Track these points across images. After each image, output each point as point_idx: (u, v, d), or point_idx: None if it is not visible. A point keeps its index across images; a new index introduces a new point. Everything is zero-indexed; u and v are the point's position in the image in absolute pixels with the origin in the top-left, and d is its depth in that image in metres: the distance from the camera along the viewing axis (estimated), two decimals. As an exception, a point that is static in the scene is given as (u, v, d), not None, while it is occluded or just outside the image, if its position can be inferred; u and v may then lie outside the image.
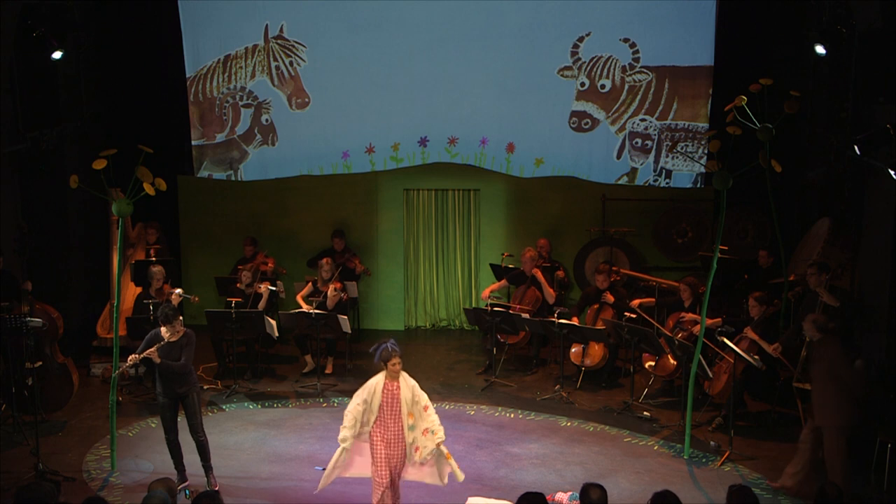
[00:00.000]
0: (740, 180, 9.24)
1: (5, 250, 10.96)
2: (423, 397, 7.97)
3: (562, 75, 12.41)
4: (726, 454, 9.35)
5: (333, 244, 13.36)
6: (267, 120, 12.79)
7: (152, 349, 8.48)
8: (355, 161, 12.94)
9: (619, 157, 12.54)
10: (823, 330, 8.34)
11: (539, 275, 12.35)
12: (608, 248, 13.66)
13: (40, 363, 9.89)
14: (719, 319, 10.01)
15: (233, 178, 13.09)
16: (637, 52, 12.23)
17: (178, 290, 10.93)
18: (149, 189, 8.59)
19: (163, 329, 8.54)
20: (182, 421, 8.74)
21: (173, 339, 8.53)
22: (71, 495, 8.09)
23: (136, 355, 8.54)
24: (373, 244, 14.27)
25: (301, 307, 11.90)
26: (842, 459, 8.26)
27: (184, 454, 8.76)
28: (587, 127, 12.55)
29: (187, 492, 8.45)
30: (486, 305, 11.93)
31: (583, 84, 12.42)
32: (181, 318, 8.71)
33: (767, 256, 11.83)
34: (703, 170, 12.24)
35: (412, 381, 7.98)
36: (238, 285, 12.05)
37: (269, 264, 13.08)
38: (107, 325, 12.03)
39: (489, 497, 8.25)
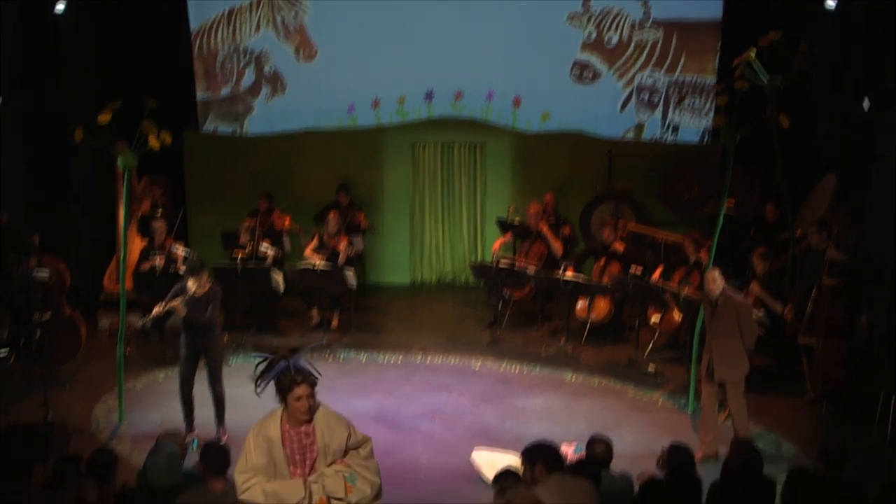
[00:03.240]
0: (748, 135, 9.18)
1: (11, 205, 10.95)
2: (362, 443, 5.31)
3: (570, 23, 12.31)
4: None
5: (338, 198, 13.34)
6: (270, 70, 12.74)
7: (177, 300, 8.50)
8: (361, 115, 12.88)
9: (622, 109, 12.49)
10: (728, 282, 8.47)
11: (545, 229, 12.33)
12: (614, 204, 13.61)
13: (49, 315, 9.94)
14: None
15: (238, 133, 13.06)
16: (648, 8, 12.11)
17: (181, 247, 11.03)
18: (154, 143, 8.56)
19: (189, 282, 8.54)
20: (198, 375, 8.79)
21: (199, 294, 8.53)
22: (80, 445, 8.16)
23: (161, 306, 8.60)
24: (378, 199, 14.26)
25: (310, 260, 11.88)
26: (744, 410, 8.42)
27: (194, 408, 8.82)
28: (588, 78, 12.49)
29: (195, 443, 8.52)
30: (493, 261, 11.94)
31: (590, 35, 12.33)
32: (207, 273, 8.70)
33: (775, 210, 11.79)
34: (710, 125, 12.17)
35: (339, 421, 5.25)
36: (241, 241, 12.05)
37: (286, 222, 13.06)
38: (113, 278, 12.05)
39: (494, 449, 8.33)
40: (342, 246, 11.96)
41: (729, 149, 9.21)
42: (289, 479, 5.02)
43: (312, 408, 5.09)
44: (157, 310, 8.69)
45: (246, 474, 4.97)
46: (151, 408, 9.57)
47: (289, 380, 5.03)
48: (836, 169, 11.56)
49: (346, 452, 5.17)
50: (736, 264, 11.22)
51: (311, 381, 5.07)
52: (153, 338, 11.47)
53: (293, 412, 5.05)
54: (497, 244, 12.62)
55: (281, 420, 5.10)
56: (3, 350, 10.27)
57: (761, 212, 12.19)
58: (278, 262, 12.20)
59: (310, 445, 5.08)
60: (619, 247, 11.80)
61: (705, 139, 12.56)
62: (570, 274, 11.56)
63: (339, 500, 5.00)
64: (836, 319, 9.51)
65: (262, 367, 5.15)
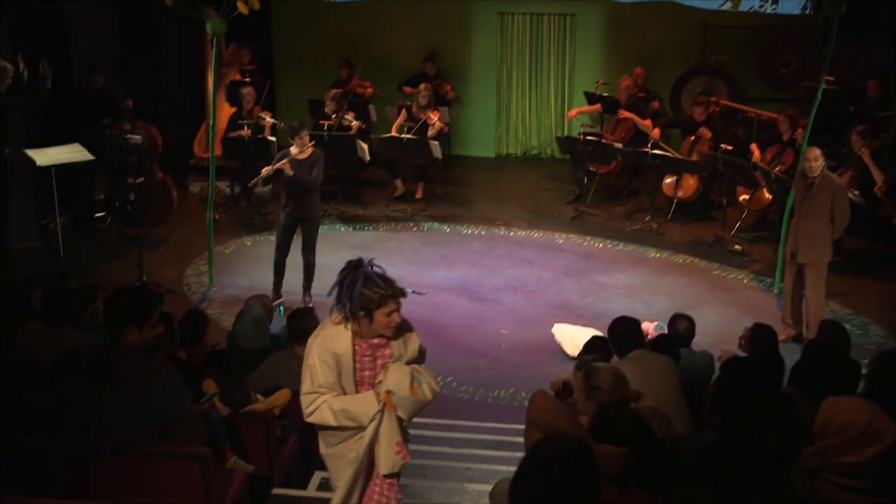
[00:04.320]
0: (853, 6, 8.74)
1: (105, 68, 11.08)
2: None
3: None
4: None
5: (425, 68, 13.20)
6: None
7: (285, 160, 8.58)
8: (449, -18, 12.63)
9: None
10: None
11: (629, 114, 12.00)
12: (707, 78, 13.22)
13: (142, 179, 10.18)
14: None
15: (325, -1, 12.94)
16: None
17: (268, 115, 11.13)
18: (242, 8, 8.50)
19: (292, 148, 8.63)
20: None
21: (302, 157, 8.62)
22: (172, 306, 8.45)
23: (270, 167, 8.71)
24: (465, 69, 14.07)
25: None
26: (822, 296, 8.23)
27: (285, 274, 9.00)
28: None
29: (282, 308, 8.73)
30: (579, 134, 11.77)
31: None
32: (308, 133, 8.74)
33: (877, 87, 11.30)
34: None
35: (411, 328, 4.53)
36: (326, 110, 12.05)
37: (368, 89, 13.02)
38: (203, 145, 12.24)
39: (575, 325, 8.38)
40: (433, 120, 11.77)
41: (832, 20, 8.75)
42: (355, 393, 4.37)
43: (400, 322, 4.35)
44: (265, 171, 8.78)
45: (311, 395, 4.30)
46: (240, 272, 9.82)
47: (379, 294, 4.22)
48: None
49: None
50: (833, 142, 10.88)
51: (402, 292, 4.36)
52: (241, 204, 11.70)
53: (379, 328, 4.28)
54: (574, 111, 12.38)
55: (352, 333, 4.31)
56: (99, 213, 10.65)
57: (863, 87, 11.69)
58: (364, 132, 12.20)
59: (382, 358, 4.38)
60: (706, 132, 11.44)
61: (807, 10, 12.05)
62: (656, 133, 11.32)
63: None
64: (936, 202, 9.20)
65: (338, 285, 4.30)
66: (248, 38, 12.82)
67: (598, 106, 12.59)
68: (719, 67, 13.20)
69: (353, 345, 4.31)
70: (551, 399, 4.57)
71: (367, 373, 4.37)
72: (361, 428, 4.34)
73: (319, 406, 4.28)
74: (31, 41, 10.18)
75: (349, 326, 4.30)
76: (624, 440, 3.49)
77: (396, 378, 4.32)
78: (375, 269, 4.31)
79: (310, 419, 4.34)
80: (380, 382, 4.34)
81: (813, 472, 3.78)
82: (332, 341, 4.30)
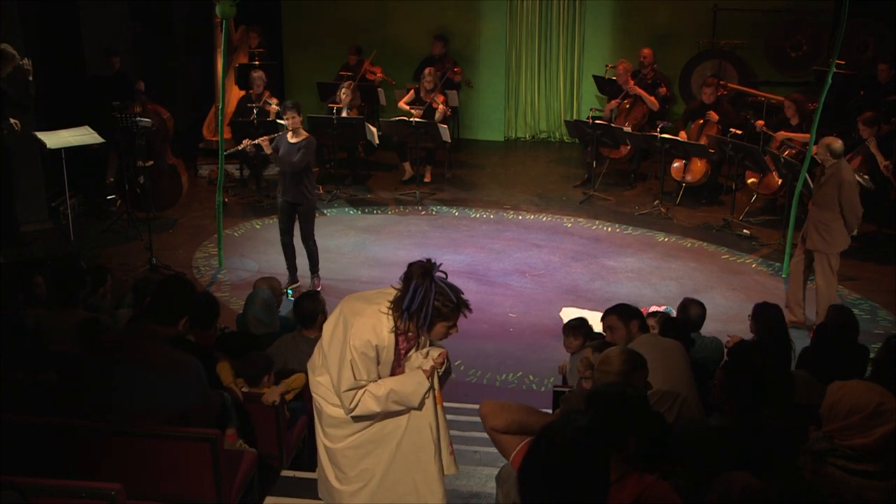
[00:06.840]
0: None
1: (120, 51, 11.06)
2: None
3: None
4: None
5: (433, 48, 13.16)
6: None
7: (265, 137, 8.70)
8: (458, -36, 12.57)
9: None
10: (836, 155, 8.00)
11: (634, 86, 11.97)
12: (717, 62, 13.18)
13: (152, 162, 10.19)
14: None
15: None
16: None
17: (275, 101, 11.14)
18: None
19: (289, 133, 8.64)
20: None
21: (293, 141, 8.60)
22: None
23: (250, 140, 8.92)
24: (474, 53, 14.04)
25: (405, 110, 11.83)
26: (831, 286, 8.17)
27: (296, 256, 9.00)
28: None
29: (290, 291, 8.75)
30: (588, 118, 11.75)
31: None
32: (295, 114, 8.63)
33: (888, 70, 11.25)
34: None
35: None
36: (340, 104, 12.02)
37: (378, 74, 12.99)
38: (212, 128, 12.24)
39: (583, 309, 8.38)
40: (438, 104, 11.77)
41: (843, 3, 8.70)
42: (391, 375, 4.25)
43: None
44: (245, 142, 9.01)
45: (352, 392, 4.10)
46: (249, 255, 9.85)
47: (449, 308, 4.07)
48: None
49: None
50: (842, 126, 10.83)
51: (467, 305, 4.14)
52: (250, 187, 11.72)
53: (434, 336, 4.20)
54: (607, 108, 12.30)
55: (394, 325, 4.14)
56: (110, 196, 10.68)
57: (873, 71, 11.64)
58: (373, 115, 12.18)
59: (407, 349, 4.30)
60: (713, 115, 11.40)
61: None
62: (682, 136, 11.27)
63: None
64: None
65: (407, 297, 4.08)
66: (258, 21, 12.81)
67: (627, 102, 12.35)
68: (729, 51, 13.15)
69: (396, 336, 4.15)
70: (501, 402, 4.38)
71: (402, 354, 4.25)
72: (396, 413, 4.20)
73: (362, 398, 4.10)
74: (42, 25, 10.18)
75: (390, 321, 4.11)
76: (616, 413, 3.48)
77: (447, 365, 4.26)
78: (441, 274, 4.12)
79: (354, 414, 4.16)
80: (425, 357, 4.24)
81: (820, 456, 3.78)
82: (373, 333, 4.08)
